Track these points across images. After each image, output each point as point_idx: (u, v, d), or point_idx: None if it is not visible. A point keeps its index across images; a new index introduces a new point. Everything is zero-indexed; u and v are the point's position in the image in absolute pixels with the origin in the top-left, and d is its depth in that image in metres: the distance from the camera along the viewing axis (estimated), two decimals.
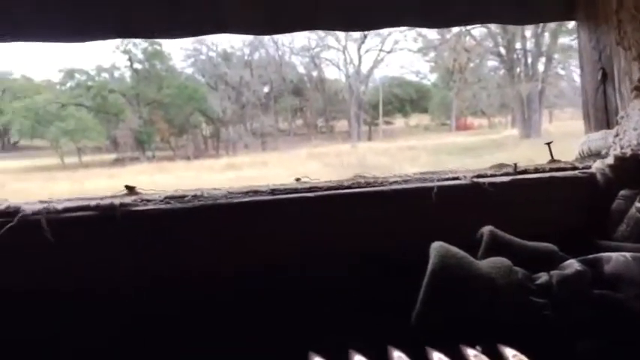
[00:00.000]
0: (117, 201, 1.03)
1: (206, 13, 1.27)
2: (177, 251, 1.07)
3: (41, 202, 1.04)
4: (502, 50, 21.06)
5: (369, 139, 36.48)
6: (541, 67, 21.95)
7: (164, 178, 17.67)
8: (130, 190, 1.11)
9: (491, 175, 1.28)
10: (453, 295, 0.90)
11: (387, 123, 41.92)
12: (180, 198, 1.09)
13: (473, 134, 28.73)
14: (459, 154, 18.71)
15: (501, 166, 1.36)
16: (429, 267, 0.91)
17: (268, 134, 38.24)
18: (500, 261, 0.95)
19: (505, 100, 28.74)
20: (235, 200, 1.10)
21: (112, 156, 31.34)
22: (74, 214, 1.02)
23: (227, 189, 1.15)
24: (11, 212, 0.99)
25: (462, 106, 35.62)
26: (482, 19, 1.48)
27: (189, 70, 24.42)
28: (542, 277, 0.94)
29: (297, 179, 1.26)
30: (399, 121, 42.89)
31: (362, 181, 1.21)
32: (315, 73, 25.68)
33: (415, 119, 43.36)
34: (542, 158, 1.49)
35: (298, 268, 1.12)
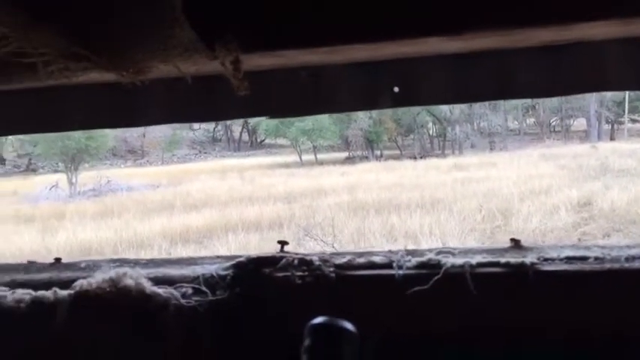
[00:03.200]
0: (527, 260, 1.16)
1: None
2: (581, 310, 1.15)
3: (448, 254, 1.22)
4: None
5: (612, 138, 33.09)
6: None
7: (389, 177, 18.26)
8: (516, 242, 1.24)
9: None
10: None
11: (634, 121, 37.54)
12: (582, 259, 1.16)
13: None
14: None
15: None
16: None
17: (496, 134, 36.96)
18: None
19: None
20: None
21: (343, 154, 33.26)
22: (487, 269, 1.17)
23: (625, 248, 1.18)
24: (434, 265, 1.19)
25: None
26: None
27: None
28: None
29: None
30: None
31: None
32: None
33: None
34: None
35: None
